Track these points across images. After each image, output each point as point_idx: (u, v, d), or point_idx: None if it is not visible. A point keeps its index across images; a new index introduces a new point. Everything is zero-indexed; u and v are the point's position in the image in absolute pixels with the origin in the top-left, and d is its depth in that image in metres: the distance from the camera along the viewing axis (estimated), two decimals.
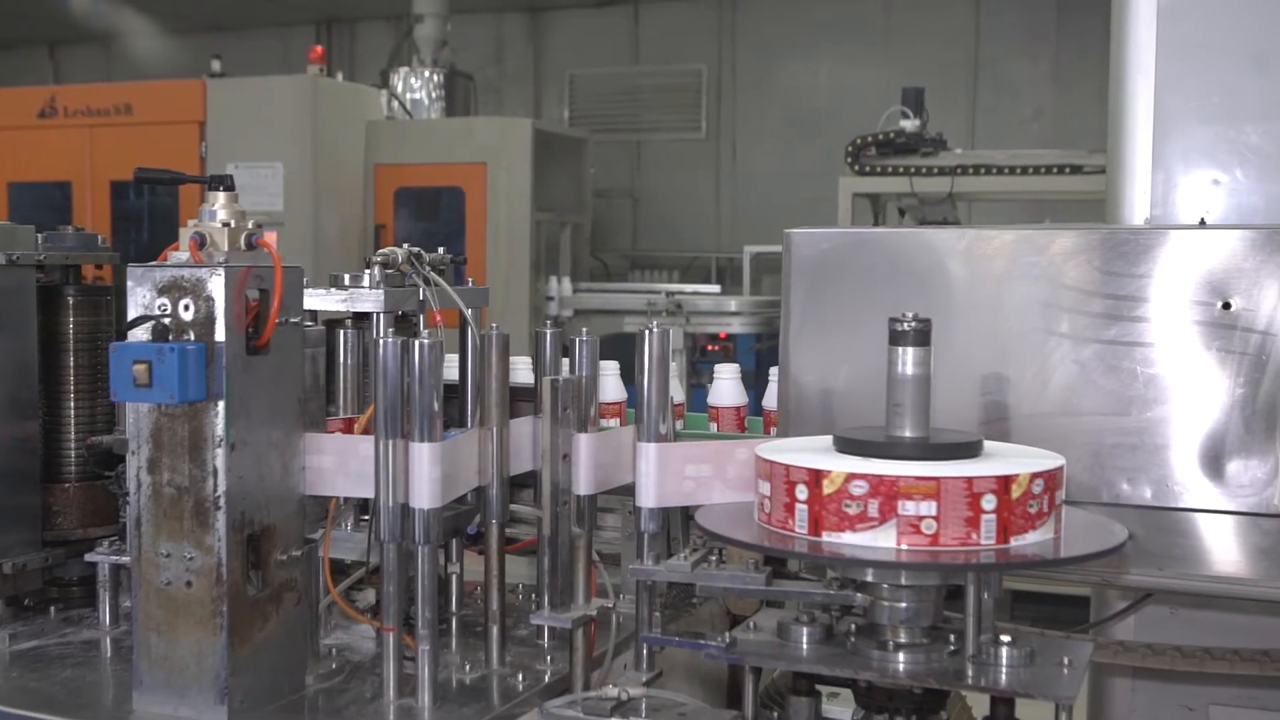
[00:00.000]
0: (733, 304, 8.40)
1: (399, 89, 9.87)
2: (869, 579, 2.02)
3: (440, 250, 2.67)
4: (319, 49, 9.95)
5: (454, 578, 2.62)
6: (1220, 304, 2.41)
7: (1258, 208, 3.06)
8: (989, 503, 1.89)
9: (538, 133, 9.20)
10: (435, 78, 9.98)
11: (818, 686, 2.19)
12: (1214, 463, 2.44)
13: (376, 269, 2.50)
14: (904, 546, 1.90)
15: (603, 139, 12.06)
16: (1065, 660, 1.97)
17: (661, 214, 13.23)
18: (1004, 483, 1.90)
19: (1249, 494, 2.42)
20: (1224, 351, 2.42)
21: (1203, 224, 2.86)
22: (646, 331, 2.19)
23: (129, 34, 14.06)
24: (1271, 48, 3.04)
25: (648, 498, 2.21)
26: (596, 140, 11.15)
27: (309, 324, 2.40)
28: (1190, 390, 2.44)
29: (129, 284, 2.09)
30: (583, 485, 2.31)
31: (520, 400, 2.54)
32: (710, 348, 8.69)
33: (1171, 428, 2.45)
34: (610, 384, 3.02)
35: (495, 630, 2.38)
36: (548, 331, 2.47)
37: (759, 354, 8.22)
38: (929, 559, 1.90)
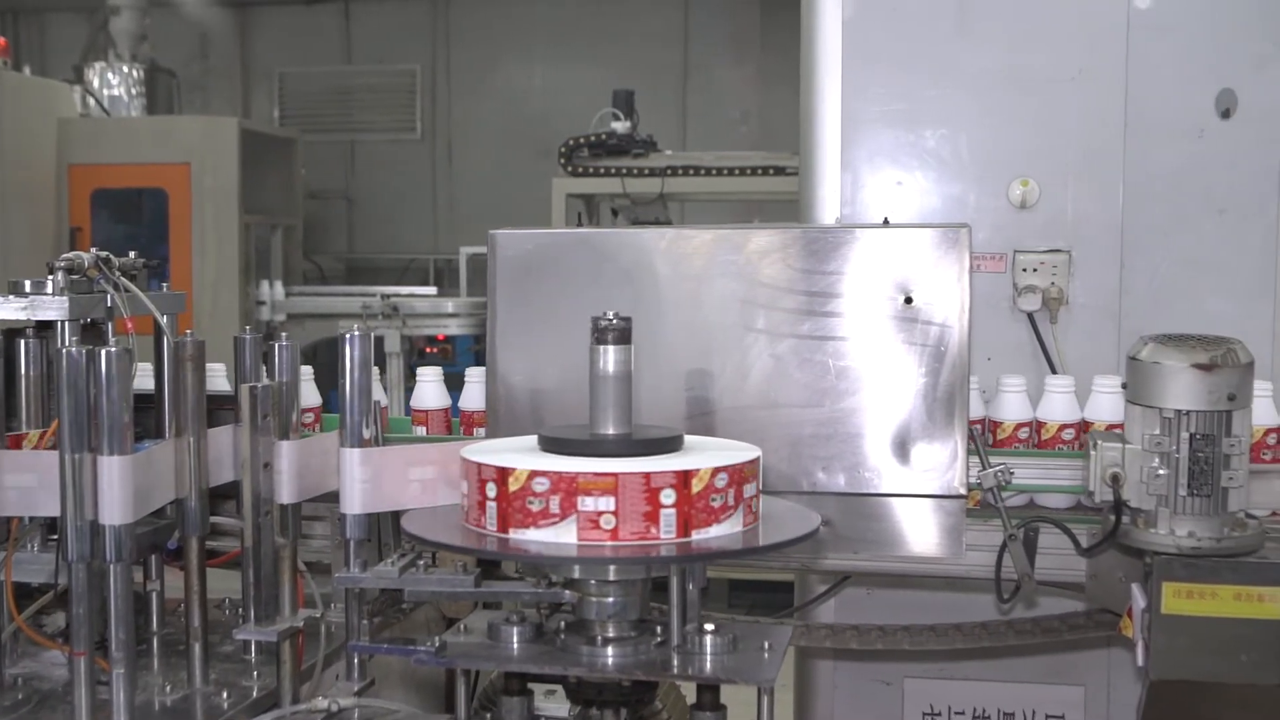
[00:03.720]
0: (450, 305, 8.33)
1: (95, 85, 9.38)
2: (576, 575, 2.05)
3: (132, 255, 2.55)
4: (2, 40, 9.34)
5: (154, 595, 2.52)
6: (903, 299, 2.55)
7: (936, 208, 3.26)
8: (668, 497, 1.93)
9: (245, 132, 8.90)
10: (134, 73, 9.53)
11: (535, 684, 2.20)
12: (902, 449, 2.57)
13: (60, 275, 2.38)
14: (584, 542, 1.92)
15: (315, 139, 11.78)
16: (766, 645, 2.04)
17: (378, 216, 13.02)
18: (683, 477, 1.93)
19: (934, 478, 2.57)
20: (908, 344, 2.56)
21: (886, 223, 3.02)
22: (347, 335, 2.15)
23: None
24: (946, 59, 3.25)
25: (352, 504, 2.17)
26: (308, 140, 10.87)
27: None
28: (879, 381, 2.57)
29: None
30: (286, 494, 2.25)
31: (223, 408, 2.46)
32: (429, 350, 8.60)
33: (862, 417, 2.57)
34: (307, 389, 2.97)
35: (197, 648, 2.30)
36: (247, 337, 2.39)
37: (478, 355, 8.20)
38: (612, 553, 1.93)
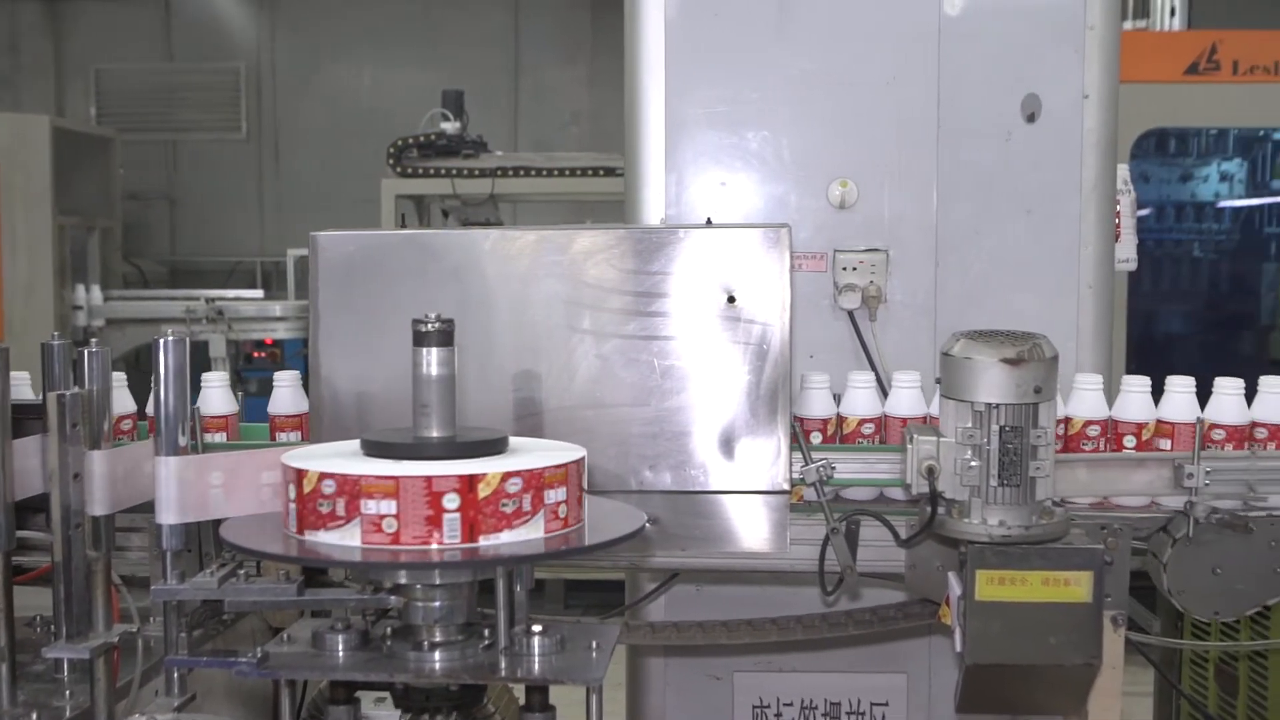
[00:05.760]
0: (277, 309, 8.15)
1: None
2: (403, 581, 2.03)
3: None
4: None
5: None
6: (726, 298, 2.59)
7: (760, 208, 3.32)
8: (458, 501, 1.92)
9: (58, 130, 8.59)
10: None
11: (364, 692, 2.17)
12: (727, 446, 2.62)
13: None
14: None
15: (134, 138, 11.42)
16: (594, 644, 2.05)
17: (202, 217, 12.72)
18: (470, 481, 1.91)
19: (758, 474, 2.62)
20: (731, 342, 2.60)
21: (709, 223, 3.06)
22: (160, 340, 2.09)
23: None
24: (767, 62, 3.30)
25: (169, 514, 2.11)
26: (127, 140, 10.54)
27: None
28: (704, 380, 2.61)
29: None
30: (98, 505, 2.18)
31: (32, 418, 2.37)
32: (256, 354, 8.42)
33: (688, 416, 2.61)
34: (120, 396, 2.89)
35: (4, 668, 2.20)
36: (55, 344, 2.31)
37: (306, 358, 8.05)
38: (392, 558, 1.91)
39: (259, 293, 9.79)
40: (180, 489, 2.11)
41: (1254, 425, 2.75)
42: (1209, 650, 3.94)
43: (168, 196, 12.75)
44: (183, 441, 2.11)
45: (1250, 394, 2.79)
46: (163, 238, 12.69)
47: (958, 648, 2.44)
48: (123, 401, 2.87)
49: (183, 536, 2.12)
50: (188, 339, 2.14)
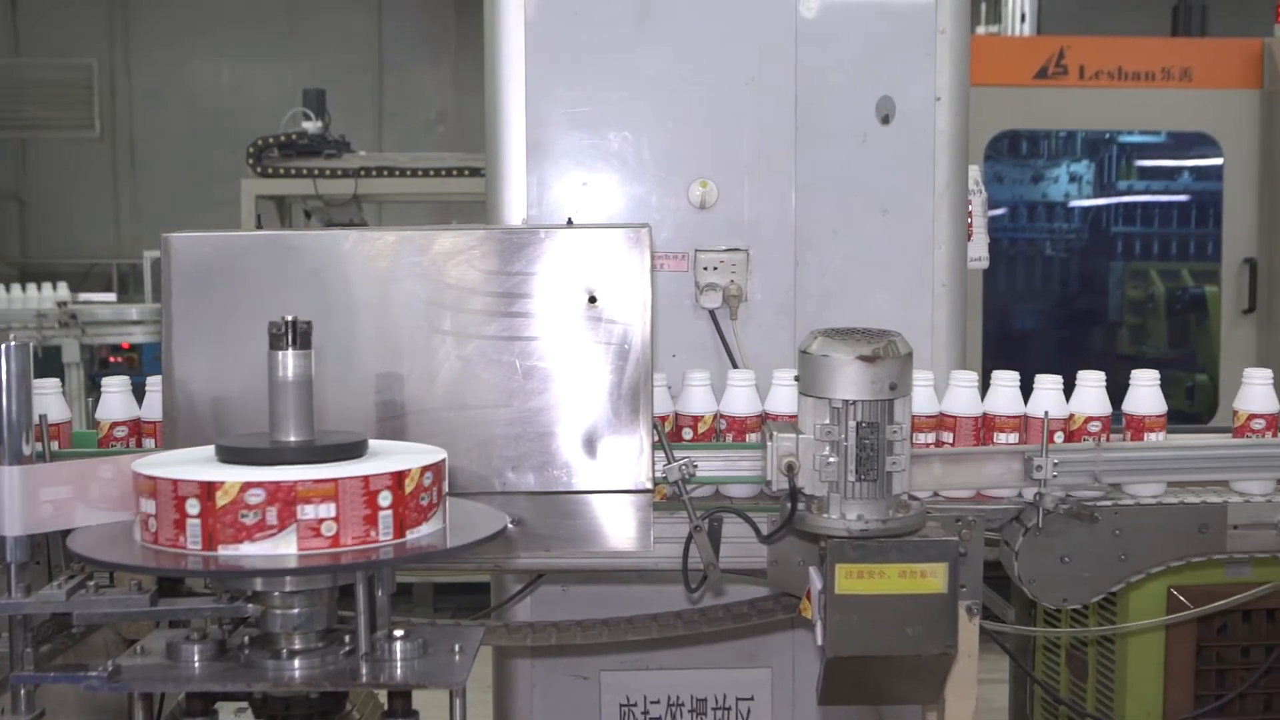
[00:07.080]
0: (134, 312, 7.91)
1: None
2: (260, 589, 2.00)
3: None
4: None
5: None
6: (588, 298, 2.60)
7: (622, 209, 3.33)
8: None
9: None
10: None
11: (222, 703, 2.13)
12: (590, 446, 2.62)
13: None
14: (303, 552, 1.88)
15: None
16: (457, 647, 2.04)
17: (54, 218, 12.34)
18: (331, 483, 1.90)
19: (621, 473, 2.63)
20: (593, 342, 2.61)
21: (570, 223, 3.06)
22: (3, 345, 2.02)
23: None
24: (627, 63, 3.32)
25: (13, 525, 2.04)
26: None
27: None
28: (567, 380, 2.61)
29: None
30: None
31: None
32: (113, 359, 8.19)
33: (550, 416, 2.61)
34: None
35: None
36: None
37: None
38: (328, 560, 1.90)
39: (112, 296, 9.52)
40: (24, 499, 2.04)
41: (1071, 417, 2.83)
42: (1060, 637, 4.06)
43: (17, 197, 12.36)
44: (26, 450, 2.05)
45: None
46: (12, 239, 12.30)
47: (819, 641, 2.48)
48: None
49: (28, 548, 2.06)
50: (32, 344, 2.08)
